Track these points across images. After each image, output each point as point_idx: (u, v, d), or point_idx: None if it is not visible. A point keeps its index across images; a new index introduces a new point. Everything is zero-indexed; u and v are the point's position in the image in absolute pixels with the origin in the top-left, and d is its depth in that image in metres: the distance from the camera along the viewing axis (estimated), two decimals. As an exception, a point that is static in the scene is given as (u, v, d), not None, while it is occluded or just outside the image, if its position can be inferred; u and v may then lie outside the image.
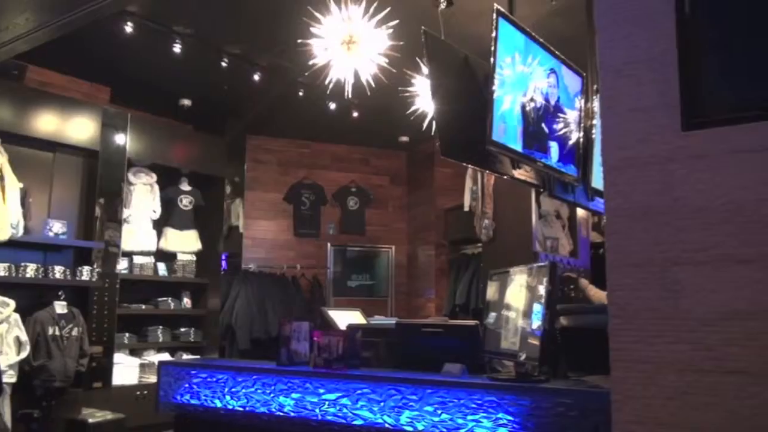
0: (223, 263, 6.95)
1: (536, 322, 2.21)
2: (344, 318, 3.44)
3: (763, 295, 1.51)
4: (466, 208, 5.71)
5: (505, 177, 3.35)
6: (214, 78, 5.86)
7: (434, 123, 2.92)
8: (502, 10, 2.93)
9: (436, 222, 7.53)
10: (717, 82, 1.75)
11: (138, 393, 5.58)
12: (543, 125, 3.17)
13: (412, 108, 4.72)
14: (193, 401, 3.01)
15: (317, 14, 3.74)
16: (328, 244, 7.88)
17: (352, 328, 2.98)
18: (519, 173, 3.31)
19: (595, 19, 1.93)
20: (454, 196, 6.62)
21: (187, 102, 6.60)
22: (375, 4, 3.76)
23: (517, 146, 2.98)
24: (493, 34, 2.89)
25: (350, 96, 4.02)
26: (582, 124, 3.55)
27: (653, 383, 1.59)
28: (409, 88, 4.63)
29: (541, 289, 2.21)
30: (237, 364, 3.14)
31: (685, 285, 1.61)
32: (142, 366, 5.84)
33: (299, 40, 3.85)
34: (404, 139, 7.67)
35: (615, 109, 1.87)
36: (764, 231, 1.53)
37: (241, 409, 2.81)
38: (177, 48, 5.13)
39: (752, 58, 1.70)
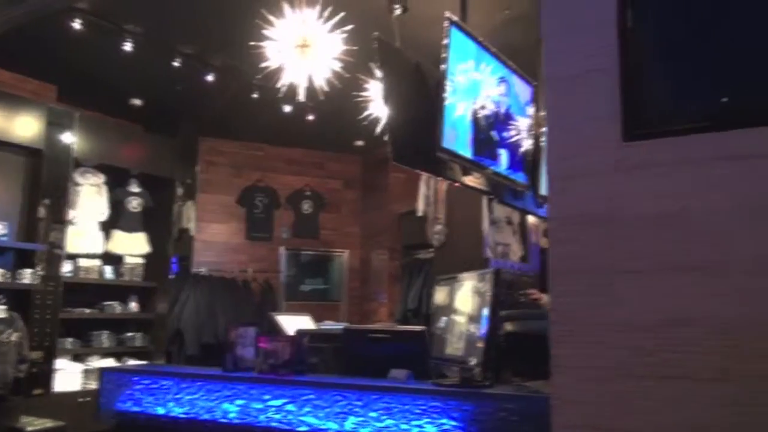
0: (173, 266, 6.81)
1: (481, 328, 2.22)
2: (293, 323, 3.41)
3: (699, 302, 1.54)
4: (420, 213, 5.73)
5: (455, 184, 3.37)
6: (166, 78, 5.75)
7: (386, 129, 2.93)
8: (454, 18, 2.96)
9: (389, 227, 7.55)
10: (658, 93, 1.80)
11: (80, 400, 5.42)
12: (493, 133, 3.21)
13: (367, 113, 4.72)
14: (135, 408, 2.93)
15: (271, 17, 3.71)
16: (281, 248, 7.82)
17: (300, 333, 2.95)
18: (469, 180, 3.34)
19: (541, 29, 1.96)
20: (408, 201, 6.64)
21: (137, 102, 6.46)
22: (330, 9, 3.75)
23: (467, 153, 3.00)
24: (445, 42, 2.91)
25: (304, 100, 4.00)
26: (532, 133, 3.61)
27: (592, 389, 1.62)
28: (364, 93, 4.63)
29: (486, 296, 2.23)
30: (181, 370, 3.08)
31: (624, 292, 1.64)
32: (86, 372, 5.68)
33: (251, 43, 3.81)
34: (359, 143, 7.67)
35: (559, 118, 1.91)
36: (700, 240, 1.57)
37: (184, 416, 2.75)
38: (127, 47, 5.02)
39: (691, 71, 1.75)
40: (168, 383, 2.85)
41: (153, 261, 6.54)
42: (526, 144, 3.52)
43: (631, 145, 1.75)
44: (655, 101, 1.80)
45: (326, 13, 3.73)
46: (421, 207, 5.72)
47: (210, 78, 5.63)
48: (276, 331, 3.45)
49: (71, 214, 5.74)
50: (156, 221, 6.60)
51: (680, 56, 1.78)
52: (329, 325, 4.00)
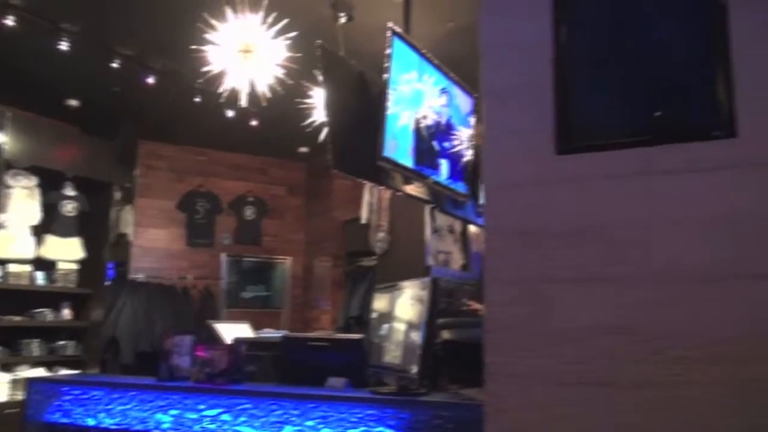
0: (110, 272, 6.62)
1: (419, 336, 2.25)
2: (232, 331, 3.37)
3: (626, 312, 1.60)
4: (363, 221, 5.75)
5: (397, 193, 3.40)
6: (105, 79, 5.60)
7: (327, 137, 2.93)
8: (397, 29, 2.99)
9: (333, 234, 7.54)
10: (588, 109, 1.86)
11: (7, 411, 5.20)
12: (434, 143, 3.25)
13: (311, 119, 4.71)
14: (64, 420, 2.84)
15: (213, 21, 3.67)
16: (223, 255, 7.70)
17: (238, 341, 2.92)
18: (411, 189, 3.37)
19: (479, 43, 2.00)
20: (353, 208, 6.65)
21: (74, 102, 6.27)
22: (274, 15, 3.73)
23: (409, 163, 3.03)
24: (388, 52, 2.94)
25: (246, 105, 3.96)
26: (472, 143, 3.67)
27: (524, 396, 1.66)
28: (307, 100, 4.63)
29: (424, 304, 2.25)
30: (113, 379, 2.99)
31: (554, 302, 1.69)
32: (14, 382, 5.45)
33: (193, 46, 3.75)
34: (304, 149, 7.64)
35: (495, 131, 1.95)
36: (626, 252, 1.63)
37: (115, 427, 2.68)
38: (64, 46, 4.86)
39: (620, 88, 1.81)
40: (99, 393, 2.77)
41: (88, 267, 6.34)
42: (467, 154, 3.58)
43: (562, 158, 1.81)
44: (586, 116, 1.86)
45: (270, 19, 3.71)
46: (364, 214, 5.74)
47: (150, 80, 5.51)
48: (214, 339, 3.40)
49: (1, 217, 5.52)
50: (92, 226, 6.41)
51: (609, 74, 1.84)
52: (269, 333, 3.96)
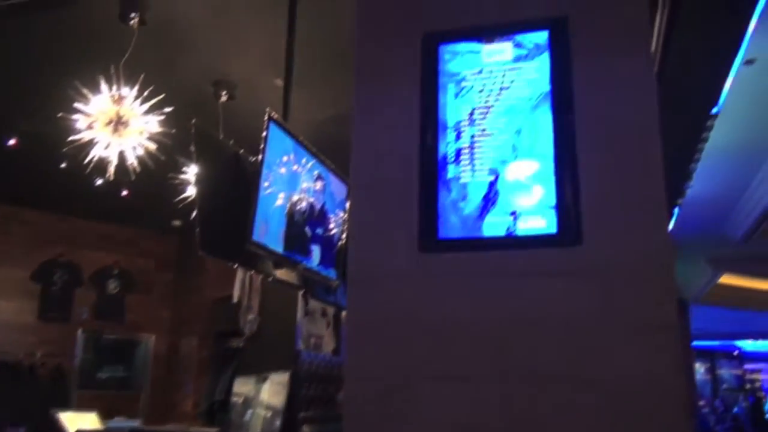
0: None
1: (278, 425, 2.17)
2: (78, 421, 3.08)
3: (480, 410, 1.63)
4: (235, 300, 5.57)
5: (269, 279, 3.34)
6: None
7: (196, 217, 2.85)
8: (274, 115, 3.02)
9: (202, 312, 7.23)
10: (449, 209, 1.94)
11: None
12: (307, 228, 3.25)
13: (184, 195, 4.60)
14: None
15: (85, 90, 3.54)
16: (79, 330, 7.15)
17: (80, 434, 2.67)
18: (281, 273, 3.33)
19: (352, 137, 2.05)
20: (225, 286, 6.44)
21: None
22: (151, 88, 3.66)
23: (279, 248, 3.00)
24: (264, 134, 2.94)
25: (113, 178, 3.80)
26: (345, 230, 3.71)
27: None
28: (182, 175, 4.53)
29: (285, 392, 2.19)
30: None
31: (413, 400, 1.69)
32: None
33: (60, 114, 3.59)
34: (177, 222, 7.39)
35: (361, 224, 1.97)
36: (484, 350, 1.68)
37: None
38: None
39: (475, 191, 1.91)
40: None
41: None
42: (339, 241, 3.60)
43: (424, 256, 1.86)
44: (447, 216, 1.93)
45: (146, 93, 3.64)
46: (236, 293, 5.57)
47: (12, 142, 5.18)
48: (57, 430, 3.10)
49: None
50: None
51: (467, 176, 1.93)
52: (118, 423, 3.67)
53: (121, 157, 3.76)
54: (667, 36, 2.43)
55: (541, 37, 1.95)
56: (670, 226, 6.12)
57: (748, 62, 3.47)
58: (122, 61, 3.55)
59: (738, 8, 2.38)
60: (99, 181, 5.83)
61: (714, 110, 3.17)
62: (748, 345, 13.61)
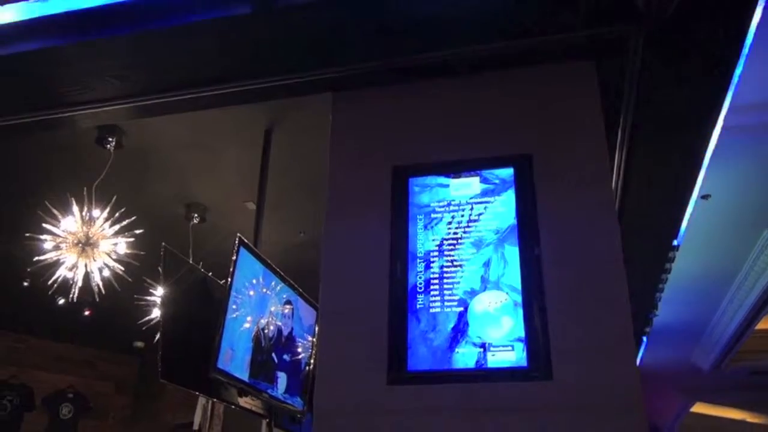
0: None
1: None
2: None
3: None
4: (196, 427, 5.30)
5: (232, 406, 3.21)
6: None
7: (159, 343, 2.77)
8: (244, 240, 3.02)
9: (160, 439, 6.86)
10: (418, 340, 1.92)
11: None
12: (273, 355, 3.17)
13: (149, 317, 4.50)
14: None
15: (55, 210, 3.53)
16: (25, 460, 6.69)
17: None
18: (245, 401, 3.20)
19: (320, 265, 2.06)
20: (186, 411, 6.15)
21: None
22: (122, 210, 3.66)
23: (244, 376, 2.91)
24: (233, 258, 2.93)
25: (76, 300, 3.71)
26: (313, 357, 3.62)
27: None
28: (148, 297, 4.45)
29: None
30: None
31: None
32: None
33: (27, 234, 3.56)
34: (139, 344, 7.16)
35: (330, 353, 1.94)
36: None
37: None
38: None
39: (440, 324, 1.91)
40: None
41: None
42: (305, 368, 3.51)
43: (392, 389, 1.83)
44: (415, 349, 1.92)
45: (117, 215, 3.63)
46: (197, 420, 5.31)
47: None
48: None
49: None
50: None
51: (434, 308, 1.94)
52: None
53: (87, 277, 3.69)
54: (626, 171, 2.55)
55: (507, 173, 2.03)
56: (639, 356, 6.13)
57: (704, 197, 3.64)
58: (95, 183, 3.57)
59: (692, 146, 2.53)
60: (61, 301, 5.70)
61: (675, 242, 3.28)
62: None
